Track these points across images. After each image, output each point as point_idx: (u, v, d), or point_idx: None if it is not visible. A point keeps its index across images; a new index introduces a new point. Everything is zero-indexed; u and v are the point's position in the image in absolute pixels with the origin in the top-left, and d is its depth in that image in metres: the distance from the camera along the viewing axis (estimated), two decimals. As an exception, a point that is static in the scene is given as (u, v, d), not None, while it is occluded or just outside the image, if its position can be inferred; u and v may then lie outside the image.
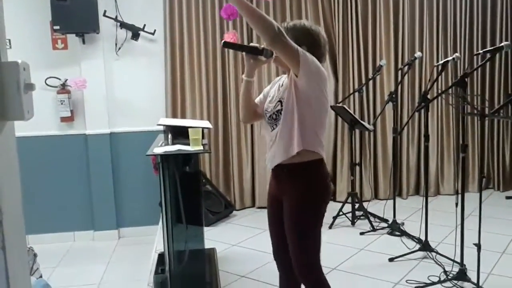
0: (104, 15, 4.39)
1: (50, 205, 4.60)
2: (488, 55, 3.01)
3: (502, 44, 2.80)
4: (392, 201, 4.30)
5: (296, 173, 2.18)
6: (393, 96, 4.15)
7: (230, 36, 3.80)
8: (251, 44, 2.26)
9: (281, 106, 2.17)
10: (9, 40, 4.33)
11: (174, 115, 4.74)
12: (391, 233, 4.16)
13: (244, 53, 2.27)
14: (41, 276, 2.81)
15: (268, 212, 2.45)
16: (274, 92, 2.33)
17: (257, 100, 2.41)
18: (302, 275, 2.22)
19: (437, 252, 3.55)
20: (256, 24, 1.99)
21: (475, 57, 5.26)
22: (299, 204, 2.18)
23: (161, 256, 3.58)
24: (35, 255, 2.89)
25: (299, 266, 2.21)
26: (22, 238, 0.94)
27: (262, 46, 2.20)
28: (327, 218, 4.45)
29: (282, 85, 2.29)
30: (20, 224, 0.91)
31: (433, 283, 3.10)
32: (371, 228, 4.25)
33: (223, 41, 2.35)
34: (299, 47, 2.03)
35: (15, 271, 0.85)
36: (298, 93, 2.09)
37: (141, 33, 4.55)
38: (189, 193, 2.94)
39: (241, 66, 4.90)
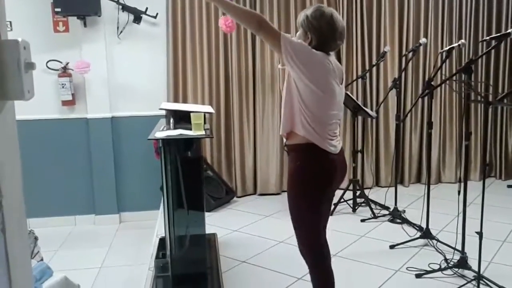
0: (106, -3, 4.34)
1: (51, 189, 4.60)
2: (494, 42, 2.97)
3: (509, 30, 2.76)
4: (393, 188, 4.29)
5: (290, 154, 2.27)
6: (397, 82, 4.12)
7: (227, 21, 3.75)
8: None
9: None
10: (10, 22, 4.28)
11: (176, 100, 4.72)
12: (392, 221, 4.16)
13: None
14: (42, 259, 2.81)
15: None
16: None
17: None
18: (302, 257, 2.34)
19: (438, 240, 3.55)
20: (240, 17, 2.14)
21: (480, 43, 5.21)
22: (289, 189, 2.28)
23: (162, 241, 3.59)
24: (36, 238, 2.89)
25: (299, 249, 2.33)
26: (22, 221, 0.92)
27: None
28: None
29: None
30: (20, 206, 0.90)
31: (434, 271, 3.11)
32: (372, 215, 4.25)
33: None
34: (282, 33, 2.11)
35: (15, 253, 0.84)
36: (290, 78, 2.17)
37: (143, 16, 4.50)
38: (190, 178, 2.93)
39: (244, 51, 4.85)
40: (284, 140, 2.31)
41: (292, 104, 2.18)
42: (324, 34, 2.19)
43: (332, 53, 2.29)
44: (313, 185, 2.21)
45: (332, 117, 2.23)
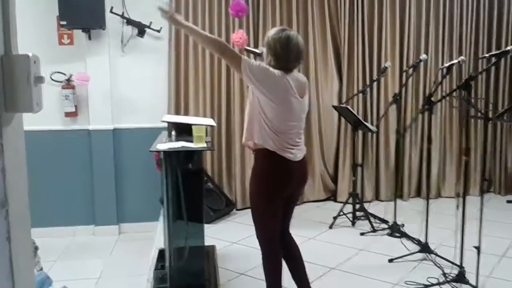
0: (111, 11, 4.40)
1: (52, 199, 4.61)
2: (494, 59, 3.01)
3: (509, 48, 2.80)
4: (392, 202, 4.30)
5: (255, 156, 2.58)
6: (397, 98, 4.16)
7: (238, 36, 3.81)
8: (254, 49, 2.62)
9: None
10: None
11: (178, 112, 4.75)
12: (391, 234, 4.16)
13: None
14: (41, 269, 2.82)
15: None
16: None
17: None
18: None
19: (436, 254, 3.55)
20: (205, 44, 2.50)
21: (480, 60, 5.26)
22: (250, 185, 2.60)
23: (161, 252, 3.60)
24: (36, 248, 2.90)
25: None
26: (27, 230, 0.95)
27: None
28: (328, 218, 4.47)
29: None
30: (25, 216, 0.92)
31: (432, 285, 3.11)
32: (372, 229, 4.25)
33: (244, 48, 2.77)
34: (243, 57, 2.37)
35: (19, 262, 0.86)
36: (252, 94, 2.46)
37: (147, 30, 4.55)
38: (190, 190, 2.95)
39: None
40: (250, 147, 2.60)
41: (252, 117, 2.47)
42: (278, 55, 2.43)
43: (295, 70, 2.53)
44: (268, 186, 2.49)
45: (291, 127, 2.47)
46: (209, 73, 4.81)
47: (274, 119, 2.41)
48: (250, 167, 5.00)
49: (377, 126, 4.93)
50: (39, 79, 0.84)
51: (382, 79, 5.06)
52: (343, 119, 5.01)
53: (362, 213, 4.49)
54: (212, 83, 4.85)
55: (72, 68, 4.50)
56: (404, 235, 4.07)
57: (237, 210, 4.97)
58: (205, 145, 2.81)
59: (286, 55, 2.42)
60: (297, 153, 2.51)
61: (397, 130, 4.27)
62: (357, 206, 4.52)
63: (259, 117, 2.43)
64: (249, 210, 4.87)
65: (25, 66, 0.82)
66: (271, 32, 2.48)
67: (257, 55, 2.56)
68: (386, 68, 4.41)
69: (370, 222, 4.33)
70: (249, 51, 2.88)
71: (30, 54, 0.82)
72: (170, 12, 2.56)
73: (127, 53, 4.62)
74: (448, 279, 3.12)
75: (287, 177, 2.48)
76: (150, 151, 2.83)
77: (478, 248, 2.87)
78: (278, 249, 2.62)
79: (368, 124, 4.43)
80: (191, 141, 2.83)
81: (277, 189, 2.49)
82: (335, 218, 4.43)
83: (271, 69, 2.40)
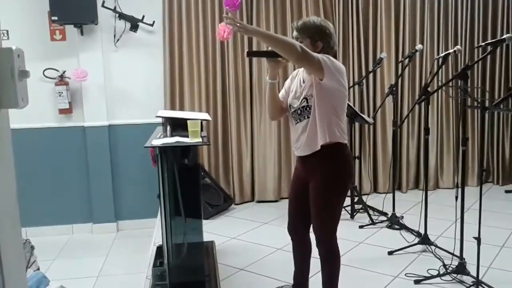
0: (103, 5, 4.36)
1: (48, 198, 4.58)
2: (490, 48, 2.98)
3: (505, 36, 2.77)
4: (391, 194, 4.28)
5: (323, 157, 2.42)
6: (394, 89, 4.13)
7: (223, 29, 3.75)
8: (270, 48, 2.35)
9: (307, 102, 2.39)
10: (7, 31, 4.29)
11: (173, 107, 4.72)
12: (390, 227, 4.15)
13: (265, 58, 2.44)
14: (38, 269, 2.79)
15: (291, 189, 2.75)
16: (296, 87, 2.52)
17: (280, 95, 2.61)
18: (321, 242, 2.54)
19: (436, 246, 3.54)
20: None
21: (476, 49, 5.23)
22: (326, 180, 2.44)
23: (159, 249, 3.57)
24: (32, 248, 2.87)
25: (320, 233, 2.52)
26: (17, 229, 0.92)
27: None
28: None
29: (303, 80, 2.47)
30: (14, 214, 0.89)
31: (432, 277, 3.10)
32: (370, 222, 4.24)
33: (246, 52, 2.62)
34: (319, 56, 2.26)
35: (9, 262, 0.84)
36: (323, 91, 2.32)
37: (140, 24, 4.51)
38: (187, 186, 2.93)
39: (241, 57, 4.86)
40: (302, 153, 2.49)
41: (324, 116, 2.35)
42: (332, 39, 2.43)
43: None
44: (348, 176, 2.51)
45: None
46: (204, 67, 4.77)
47: (342, 109, 2.43)
48: (248, 161, 5.07)
49: (374, 118, 4.90)
50: (24, 74, 0.81)
51: (378, 71, 5.02)
52: (340, 112, 4.98)
53: (360, 206, 4.48)
54: (207, 76, 4.81)
55: (65, 64, 4.46)
56: (403, 227, 4.06)
57: (236, 204, 4.95)
58: (200, 140, 2.78)
59: (335, 37, 2.46)
60: None
61: (394, 122, 4.25)
62: (356, 198, 4.50)
63: (329, 116, 2.36)
64: (247, 205, 4.95)
65: (8, 60, 0.78)
66: (313, 19, 2.43)
67: (278, 56, 2.30)
68: (381, 59, 4.38)
69: (369, 214, 4.31)
70: (255, 53, 2.82)
71: (14, 47, 0.78)
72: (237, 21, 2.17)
73: (121, 48, 4.58)
74: (448, 271, 3.11)
75: (353, 166, 2.66)
76: (145, 147, 2.80)
77: (478, 239, 2.86)
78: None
79: (365, 116, 4.40)
80: (187, 136, 2.79)
81: (350, 179, 2.56)
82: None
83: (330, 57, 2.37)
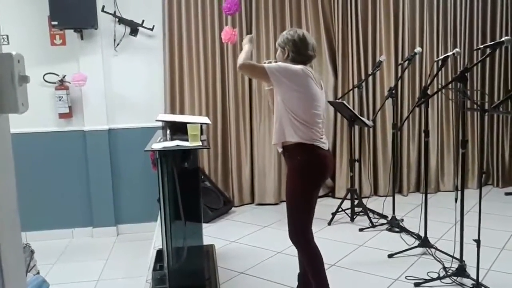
0: (103, 10, 4.37)
1: (49, 202, 4.58)
2: (489, 50, 2.99)
3: (503, 38, 2.77)
4: (391, 197, 4.28)
5: (287, 157, 2.64)
6: (393, 91, 4.14)
7: (229, 33, 3.75)
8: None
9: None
10: (7, 36, 4.31)
11: (173, 111, 4.72)
12: (390, 230, 4.15)
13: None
14: (38, 273, 2.79)
15: None
16: None
17: None
18: (293, 242, 2.67)
19: (436, 248, 3.54)
20: (244, 70, 2.63)
21: (475, 52, 5.25)
22: (289, 180, 2.63)
23: (159, 253, 3.57)
24: (32, 252, 2.87)
25: (289, 232, 2.64)
26: (17, 233, 0.92)
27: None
28: (326, 215, 4.45)
29: None
30: (15, 219, 0.90)
31: (433, 279, 3.09)
32: (370, 225, 4.24)
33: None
34: (266, 65, 2.53)
35: (9, 267, 0.84)
36: (278, 95, 2.57)
37: (140, 28, 4.53)
38: (187, 190, 2.92)
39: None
40: (279, 149, 2.68)
41: (281, 119, 2.56)
42: (297, 45, 2.62)
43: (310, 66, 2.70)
44: (309, 178, 2.57)
45: (317, 116, 2.58)
46: (203, 71, 4.78)
47: (301, 111, 2.52)
48: (247, 164, 5.07)
49: (374, 121, 4.91)
50: (24, 79, 0.81)
51: (378, 73, 5.03)
52: (339, 115, 4.99)
53: (360, 209, 4.48)
54: (207, 80, 4.82)
55: (65, 68, 4.48)
56: (403, 230, 4.05)
57: (235, 207, 4.95)
58: (200, 143, 2.78)
59: (305, 45, 2.63)
60: (326, 142, 2.64)
61: (394, 124, 4.25)
62: (356, 201, 4.50)
63: (287, 116, 2.53)
64: (247, 208, 4.95)
65: (8, 65, 0.79)
66: (285, 32, 2.70)
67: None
68: (381, 62, 4.39)
69: (369, 217, 4.31)
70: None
71: (14, 53, 0.79)
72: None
73: (121, 52, 4.59)
74: (448, 273, 3.11)
75: (323, 166, 2.61)
76: (145, 150, 2.80)
77: (478, 241, 2.86)
78: (315, 243, 2.66)
79: (365, 119, 4.40)
80: (187, 140, 2.80)
81: (316, 180, 2.62)
82: (333, 214, 4.41)
83: (289, 64, 2.59)
